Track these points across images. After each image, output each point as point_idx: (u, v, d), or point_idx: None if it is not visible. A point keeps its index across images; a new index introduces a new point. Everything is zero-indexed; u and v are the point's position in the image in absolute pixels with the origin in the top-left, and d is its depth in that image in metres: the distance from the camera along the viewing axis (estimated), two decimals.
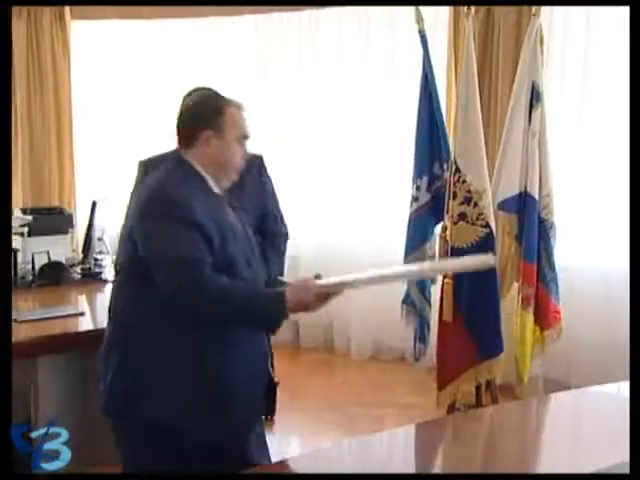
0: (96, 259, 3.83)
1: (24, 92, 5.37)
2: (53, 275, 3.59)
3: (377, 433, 2.71)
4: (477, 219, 3.39)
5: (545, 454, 2.01)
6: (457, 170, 3.39)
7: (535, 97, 3.48)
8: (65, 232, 3.88)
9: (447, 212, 3.45)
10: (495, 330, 3.41)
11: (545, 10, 3.64)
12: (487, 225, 3.39)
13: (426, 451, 2.11)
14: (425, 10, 3.68)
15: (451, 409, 3.51)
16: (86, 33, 5.43)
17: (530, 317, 3.54)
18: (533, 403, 2.86)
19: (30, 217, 3.82)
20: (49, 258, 3.64)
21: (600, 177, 4.17)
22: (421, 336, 3.72)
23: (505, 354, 3.45)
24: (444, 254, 3.45)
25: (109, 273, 3.63)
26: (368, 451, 2.03)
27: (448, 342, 3.45)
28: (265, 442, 2.29)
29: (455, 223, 3.41)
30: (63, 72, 5.34)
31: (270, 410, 3.79)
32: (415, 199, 3.67)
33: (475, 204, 3.39)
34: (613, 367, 3.55)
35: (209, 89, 2.22)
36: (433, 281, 3.71)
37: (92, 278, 3.70)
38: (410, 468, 1.95)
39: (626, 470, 1.68)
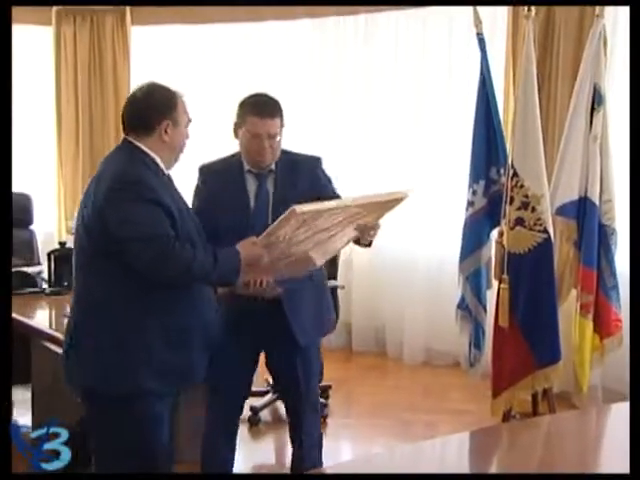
0: None
1: (86, 96, 5.53)
2: None
3: (430, 439, 2.69)
4: (535, 224, 3.34)
5: (604, 466, 1.97)
6: (515, 174, 3.34)
7: (597, 100, 3.41)
8: None
9: (504, 217, 3.41)
10: (552, 337, 3.35)
11: (609, 10, 3.56)
12: (545, 230, 3.33)
13: (480, 459, 2.07)
14: (483, 12, 3.64)
15: (506, 417, 3.46)
16: (146, 38, 5.55)
17: (589, 325, 3.47)
18: (592, 413, 2.80)
19: None
20: None
21: None
22: (476, 342, 3.68)
23: (563, 362, 3.38)
24: (500, 260, 3.41)
25: None
26: (420, 457, 2.01)
27: (504, 348, 3.40)
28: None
29: (512, 228, 3.36)
30: (123, 76, 5.48)
31: None
32: (471, 204, 3.64)
33: (533, 209, 3.33)
34: None
35: (155, 82, 2.44)
36: (489, 286, 3.67)
37: None
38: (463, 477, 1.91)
39: None
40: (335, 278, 4.15)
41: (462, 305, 3.70)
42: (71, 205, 5.35)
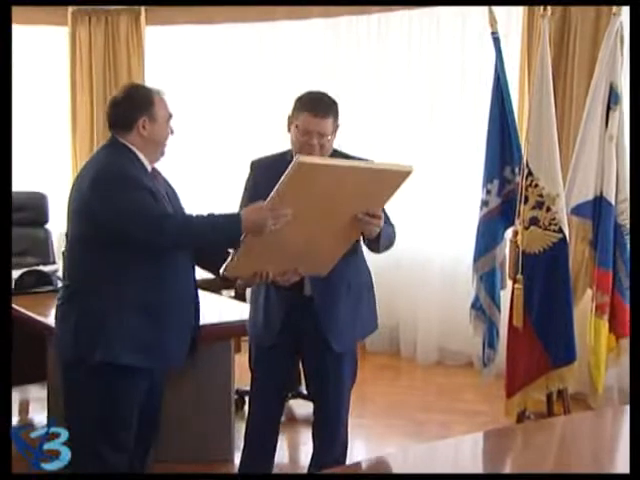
0: None
1: (100, 96, 5.56)
2: None
3: (444, 440, 2.68)
4: (550, 224, 3.33)
5: (619, 467, 1.93)
6: (529, 174, 3.33)
7: (613, 99, 3.39)
8: None
9: (518, 216, 3.40)
10: (567, 337, 3.34)
11: (625, 9, 3.53)
12: (560, 230, 3.32)
13: (494, 460, 2.07)
14: (497, 11, 3.63)
15: (521, 417, 3.45)
16: (160, 38, 5.59)
17: (605, 325, 3.46)
18: (608, 414, 2.78)
19: None
20: None
21: None
22: (490, 342, 3.67)
23: (578, 363, 3.37)
24: (515, 259, 3.40)
25: None
26: (434, 458, 2.00)
27: (518, 348, 3.39)
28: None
29: (526, 228, 3.35)
30: (137, 76, 5.51)
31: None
32: (485, 203, 3.63)
33: (548, 209, 3.32)
34: None
35: (134, 83, 2.72)
36: (503, 286, 3.66)
37: None
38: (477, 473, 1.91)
39: None
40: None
41: (476, 305, 3.69)
42: None
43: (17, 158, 5.36)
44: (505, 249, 3.61)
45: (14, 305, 3.29)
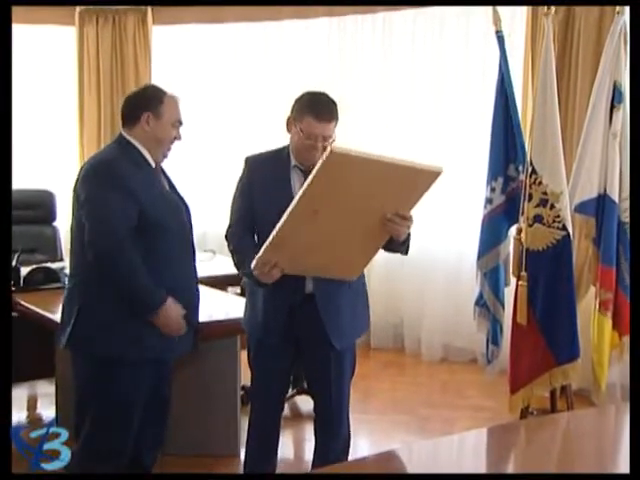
0: None
1: (108, 95, 5.61)
2: None
3: (448, 435, 2.70)
4: (554, 221, 3.34)
5: (622, 464, 1.92)
6: (533, 172, 3.35)
7: (616, 97, 3.40)
8: None
9: (522, 214, 3.41)
10: (571, 334, 3.35)
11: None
12: (564, 228, 3.34)
13: (498, 456, 2.07)
14: (501, 10, 3.63)
15: (524, 413, 3.47)
16: (166, 37, 5.62)
17: (608, 322, 3.47)
18: (611, 410, 2.78)
19: None
20: None
21: None
22: (494, 338, 3.69)
23: (582, 359, 3.38)
24: (519, 257, 3.41)
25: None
26: (438, 453, 2.01)
27: (522, 345, 3.41)
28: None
29: (530, 225, 3.36)
30: (144, 75, 5.55)
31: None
32: (489, 201, 3.64)
33: (552, 206, 3.33)
34: None
35: (152, 84, 2.73)
36: (507, 283, 3.68)
37: None
38: (481, 472, 1.90)
39: None
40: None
41: (480, 302, 3.71)
42: None
43: (26, 157, 5.45)
44: (509, 246, 3.63)
45: (22, 301, 3.33)
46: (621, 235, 3.46)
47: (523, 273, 3.37)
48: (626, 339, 3.49)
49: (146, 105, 2.56)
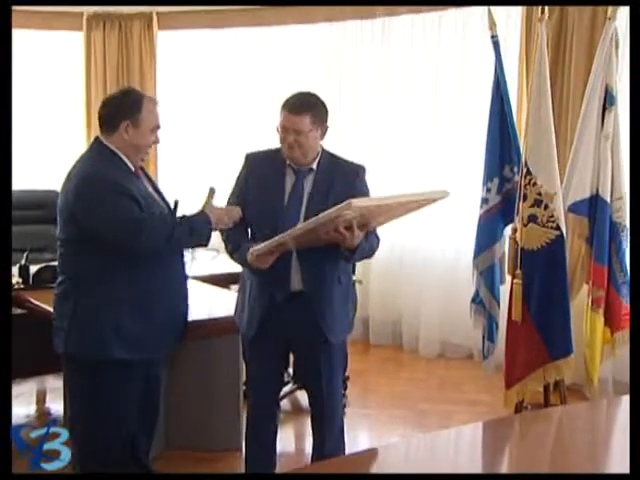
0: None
1: None
2: None
3: (445, 429, 2.76)
4: (548, 221, 3.40)
5: (615, 456, 1.98)
6: (528, 172, 3.40)
7: (608, 100, 3.46)
8: None
9: (517, 214, 3.47)
10: (565, 331, 3.40)
11: (623, 11, 3.61)
12: (558, 227, 3.40)
13: (493, 449, 2.10)
14: (496, 14, 3.70)
15: (519, 408, 3.53)
16: (172, 42, 5.70)
17: (600, 319, 3.52)
18: (603, 404, 2.83)
19: None
20: None
21: None
22: (489, 335, 3.74)
23: (575, 355, 3.44)
24: (514, 255, 3.47)
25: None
26: (435, 447, 2.05)
27: (517, 341, 3.46)
28: None
29: (525, 225, 3.42)
30: (150, 79, 5.63)
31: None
32: (485, 201, 3.70)
33: (546, 206, 3.39)
34: None
35: (130, 88, 2.72)
36: (502, 281, 3.75)
37: None
38: (477, 465, 1.95)
39: None
40: (353, 273, 4.22)
41: (476, 299, 3.76)
42: None
43: (34, 159, 5.55)
44: (504, 245, 3.69)
45: (31, 299, 3.40)
46: (613, 234, 3.52)
47: (518, 271, 3.42)
48: (618, 335, 3.56)
49: (125, 114, 2.57)
